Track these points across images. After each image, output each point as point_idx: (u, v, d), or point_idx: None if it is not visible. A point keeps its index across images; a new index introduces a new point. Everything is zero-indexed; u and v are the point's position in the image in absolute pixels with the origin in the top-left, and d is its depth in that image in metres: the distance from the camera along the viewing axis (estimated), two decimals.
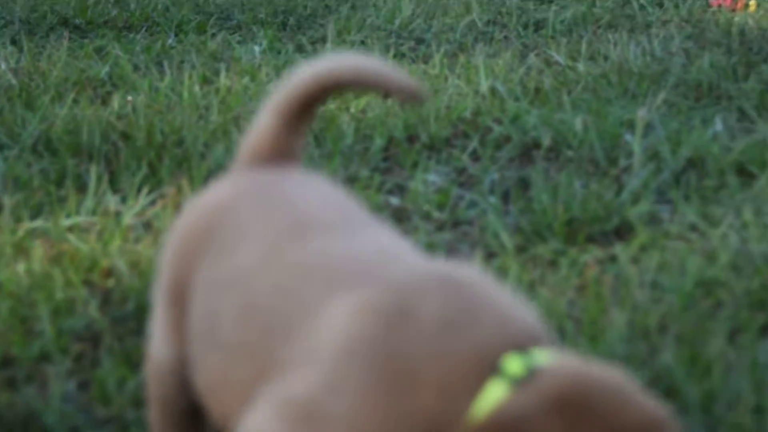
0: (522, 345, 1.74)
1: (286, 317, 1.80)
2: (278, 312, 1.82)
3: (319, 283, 1.83)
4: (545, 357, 1.73)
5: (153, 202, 3.91)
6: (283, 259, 1.90)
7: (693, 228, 3.72)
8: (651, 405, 1.70)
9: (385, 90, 2.33)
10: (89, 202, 3.91)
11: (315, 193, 2.16)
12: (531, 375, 1.68)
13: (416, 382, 1.68)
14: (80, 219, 3.80)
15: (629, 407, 1.67)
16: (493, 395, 1.67)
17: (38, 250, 3.54)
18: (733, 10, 6.77)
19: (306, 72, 2.21)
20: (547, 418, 1.62)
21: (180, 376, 2.07)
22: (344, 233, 1.97)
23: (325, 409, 1.70)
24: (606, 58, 5.66)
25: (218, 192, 2.17)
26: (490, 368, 1.70)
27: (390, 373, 1.70)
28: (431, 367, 1.70)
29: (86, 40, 6.21)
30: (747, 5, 6.87)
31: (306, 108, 2.23)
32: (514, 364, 1.69)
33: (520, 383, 1.67)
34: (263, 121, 2.23)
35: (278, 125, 2.20)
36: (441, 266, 1.97)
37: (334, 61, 2.25)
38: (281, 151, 2.20)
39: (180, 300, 2.05)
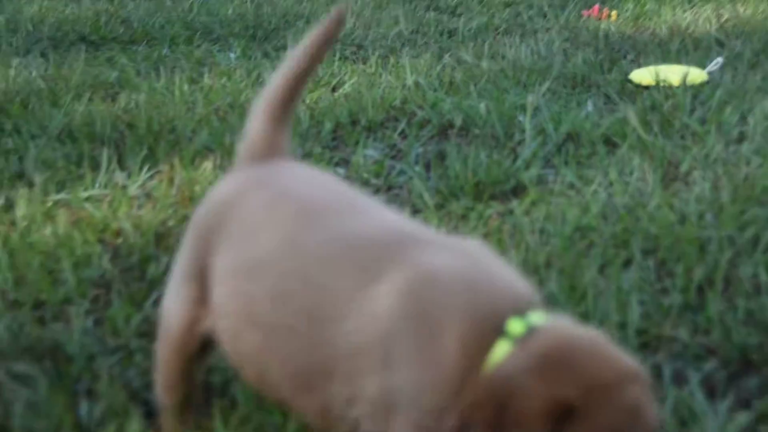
0: (522, 308, 1.73)
1: (321, 304, 1.78)
2: (312, 298, 1.79)
3: (349, 271, 1.79)
4: (540, 318, 1.73)
5: (152, 177, 3.91)
6: (304, 245, 1.86)
7: (571, 187, 3.72)
8: (625, 360, 1.68)
9: (326, 41, 2.24)
10: (102, 178, 3.89)
11: (312, 180, 2.12)
12: (529, 334, 1.67)
13: (444, 345, 1.67)
14: (95, 191, 3.78)
15: (605, 362, 1.66)
16: (499, 353, 1.66)
17: (62, 217, 3.53)
18: (599, 19, 6.79)
19: (277, 74, 2.19)
20: (530, 375, 1.61)
21: (189, 336, 2.08)
22: (351, 216, 1.93)
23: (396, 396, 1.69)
24: (503, 57, 5.67)
25: (224, 187, 2.14)
26: (500, 328, 1.69)
27: (427, 337, 1.69)
28: (456, 328, 1.68)
29: (99, 52, 6.18)
30: (609, 16, 6.89)
31: (286, 106, 2.19)
32: (516, 325, 1.68)
33: (520, 342, 1.67)
34: (253, 125, 2.19)
35: (266, 126, 2.16)
36: (453, 240, 1.92)
37: (291, 57, 2.21)
38: (272, 149, 2.15)
39: (199, 277, 2.02)
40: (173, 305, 2.11)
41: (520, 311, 1.72)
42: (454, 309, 1.70)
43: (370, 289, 1.74)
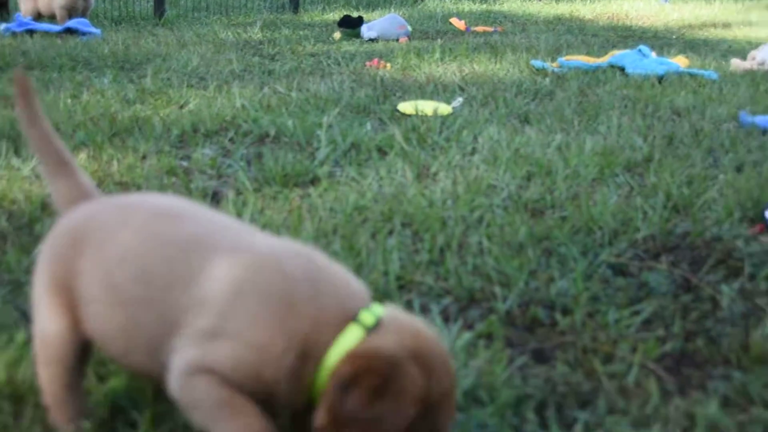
0: (362, 303, 1.71)
1: (178, 277, 1.70)
2: (170, 274, 1.71)
3: (199, 252, 1.71)
4: (381, 311, 1.70)
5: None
6: (159, 236, 1.77)
7: (353, 180, 3.76)
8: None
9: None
10: (2, 162, 3.79)
11: (152, 197, 2.06)
12: (378, 324, 1.66)
13: (296, 314, 1.63)
14: None
15: (448, 364, 1.68)
16: (352, 334, 1.63)
17: None
18: (378, 68, 6.84)
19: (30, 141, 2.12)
20: (413, 363, 1.60)
21: (68, 339, 1.87)
22: (193, 217, 1.83)
23: (224, 329, 1.64)
24: (308, 90, 5.69)
25: (67, 220, 1.94)
26: (350, 316, 1.67)
27: (275, 304, 1.64)
28: (308, 305, 1.64)
29: (3, 74, 5.96)
30: (385, 66, 6.94)
31: (56, 154, 2.04)
32: (367, 316, 1.66)
33: (373, 329, 1.65)
34: (51, 186, 2.05)
35: (60, 180, 2.02)
36: (289, 242, 1.86)
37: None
38: (82, 194, 1.99)
39: (64, 288, 1.84)
40: (45, 323, 1.89)
41: (363, 303, 1.71)
42: (301, 286, 1.66)
43: (213, 263, 1.69)
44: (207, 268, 1.69)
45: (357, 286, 1.78)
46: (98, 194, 2.03)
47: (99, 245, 1.82)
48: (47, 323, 1.89)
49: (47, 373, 1.92)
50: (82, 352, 1.91)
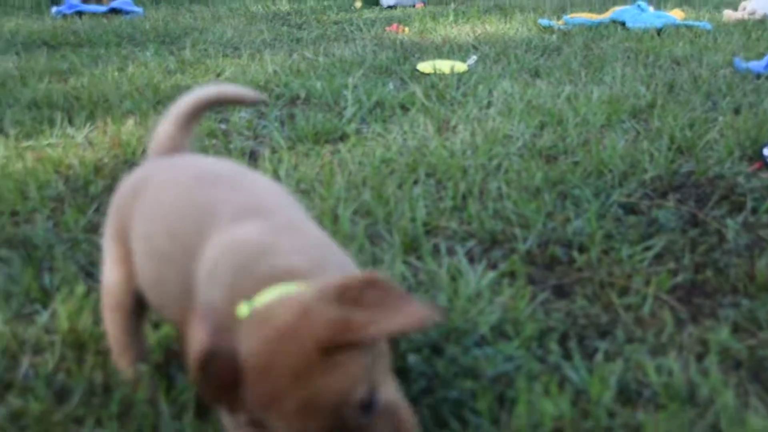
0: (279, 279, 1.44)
1: (194, 244, 1.57)
2: (189, 239, 1.59)
3: (210, 224, 1.58)
4: (266, 298, 1.40)
5: (92, 130, 3.77)
6: (192, 200, 1.67)
7: (379, 135, 3.70)
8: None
9: (237, 99, 2.10)
10: (57, 132, 3.76)
11: (207, 161, 1.91)
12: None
13: (251, 279, 1.43)
14: (52, 140, 3.66)
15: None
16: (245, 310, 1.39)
17: (29, 157, 3.40)
18: (397, 33, 6.74)
19: (192, 95, 1.97)
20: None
21: (126, 288, 1.80)
22: (230, 186, 1.70)
23: (208, 298, 1.49)
24: (333, 54, 5.62)
25: (138, 171, 1.88)
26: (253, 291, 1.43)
27: (237, 276, 1.46)
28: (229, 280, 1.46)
29: (56, 52, 5.94)
30: (404, 30, 6.86)
31: (192, 119, 1.98)
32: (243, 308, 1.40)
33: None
34: (163, 128, 1.96)
35: (174, 130, 1.94)
36: (285, 216, 1.65)
37: (207, 89, 1.99)
38: (176, 148, 1.93)
39: (122, 238, 1.79)
40: (108, 272, 1.83)
41: (276, 280, 1.42)
42: (234, 266, 1.48)
43: (210, 241, 1.56)
44: (205, 245, 1.57)
45: (295, 263, 1.50)
46: (187, 153, 1.97)
47: (147, 200, 1.75)
48: (109, 272, 1.84)
49: (110, 318, 1.87)
50: (141, 300, 1.83)
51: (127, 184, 1.87)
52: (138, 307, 1.86)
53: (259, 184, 1.80)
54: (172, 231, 1.66)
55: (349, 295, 1.31)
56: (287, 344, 1.27)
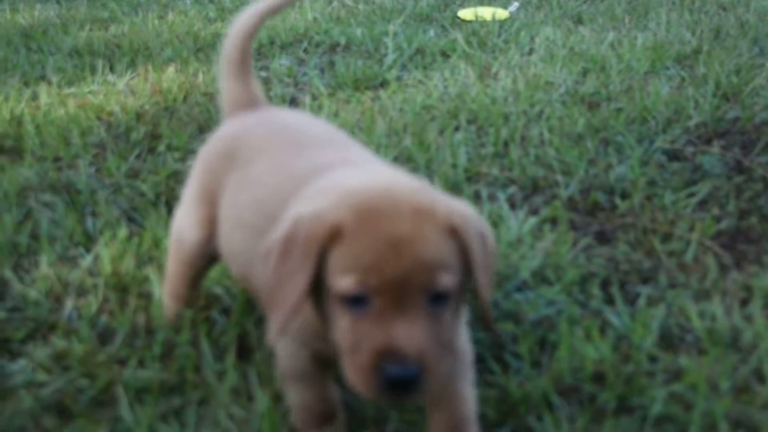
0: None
1: (280, 211, 1.46)
2: (276, 211, 1.47)
3: (296, 192, 1.47)
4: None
5: (133, 78, 3.77)
6: (283, 168, 1.59)
7: (420, 82, 3.66)
8: None
9: (275, 10, 1.99)
10: (99, 79, 3.76)
11: (303, 120, 1.83)
12: None
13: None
14: (94, 87, 3.66)
15: None
16: None
17: (71, 103, 3.42)
18: None
19: (230, 36, 1.89)
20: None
21: (204, 250, 1.77)
22: (322, 150, 1.62)
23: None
24: (374, 2, 5.53)
25: (227, 129, 1.82)
26: None
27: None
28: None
29: (97, 1, 5.89)
30: None
31: (243, 62, 1.86)
32: None
33: None
34: (225, 86, 1.88)
35: (235, 83, 1.86)
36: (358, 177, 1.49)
37: (251, 10, 1.92)
38: (250, 100, 1.86)
39: (210, 200, 1.73)
40: (186, 226, 1.79)
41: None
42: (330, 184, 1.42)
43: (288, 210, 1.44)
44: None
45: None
46: (264, 104, 1.91)
47: (242, 165, 1.69)
48: (187, 229, 1.79)
49: (177, 270, 1.85)
50: (211, 260, 1.82)
51: (218, 143, 1.80)
52: (206, 266, 1.85)
53: (352, 148, 1.72)
54: (261, 205, 1.60)
55: None
56: (420, 217, 1.29)
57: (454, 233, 1.30)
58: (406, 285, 1.25)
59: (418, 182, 1.42)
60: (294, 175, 1.55)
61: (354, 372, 1.28)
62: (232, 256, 1.69)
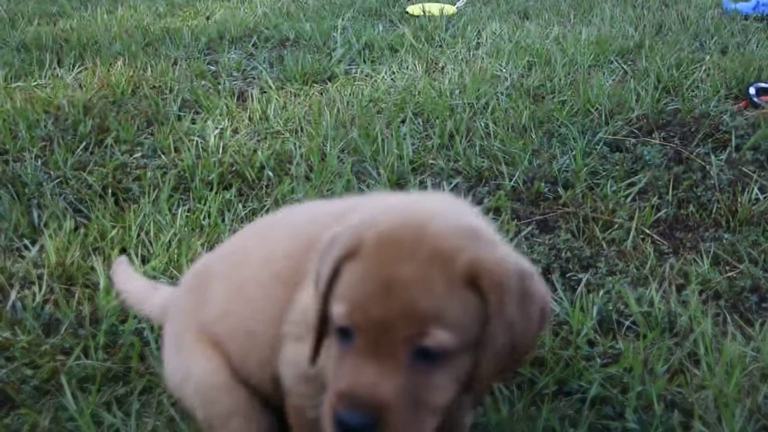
0: None
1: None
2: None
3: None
4: None
5: (81, 72, 3.72)
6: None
7: (368, 76, 3.67)
8: None
9: None
10: (47, 73, 3.70)
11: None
12: None
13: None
14: (42, 81, 3.61)
15: None
16: None
17: (18, 96, 3.36)
18: None
19: None
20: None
21: None
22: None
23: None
24: None
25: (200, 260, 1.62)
26: None
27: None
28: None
29: None
30: None
31: None
32: None
33: None
34: None
35: None
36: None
37: None
38: None
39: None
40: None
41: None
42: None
43: None
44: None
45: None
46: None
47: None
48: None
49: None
50: None
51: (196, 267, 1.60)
52: None
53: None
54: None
55: None
56: (433, 261, 1.13)
57: (474, 285, 1.13)
58: (390, 331, 1.11)
59: (471, 222, 1.24)
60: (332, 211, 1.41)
61: (324, 408, 1.15)
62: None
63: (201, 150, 2.81)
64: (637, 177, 2.59)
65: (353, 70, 3.77)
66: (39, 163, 2.74)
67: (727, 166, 2.66)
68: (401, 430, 1.11)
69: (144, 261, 2.12)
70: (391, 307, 1.10)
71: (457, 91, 3.35)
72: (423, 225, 1.16)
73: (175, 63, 3.91)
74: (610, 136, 2.89)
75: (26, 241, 2.22)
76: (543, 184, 2.54)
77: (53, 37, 4.33)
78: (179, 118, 3.16)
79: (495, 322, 1.13)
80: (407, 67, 3.75)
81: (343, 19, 4.67)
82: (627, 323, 1.88)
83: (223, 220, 2.33)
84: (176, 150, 2.83)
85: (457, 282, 1.12)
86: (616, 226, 2.31)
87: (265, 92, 3.46)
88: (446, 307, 1.11)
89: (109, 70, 3.68)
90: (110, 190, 2.51)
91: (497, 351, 1.14)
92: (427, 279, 1.11)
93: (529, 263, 1.23)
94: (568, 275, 2.08)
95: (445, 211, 1.24)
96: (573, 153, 2.73)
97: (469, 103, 3.20)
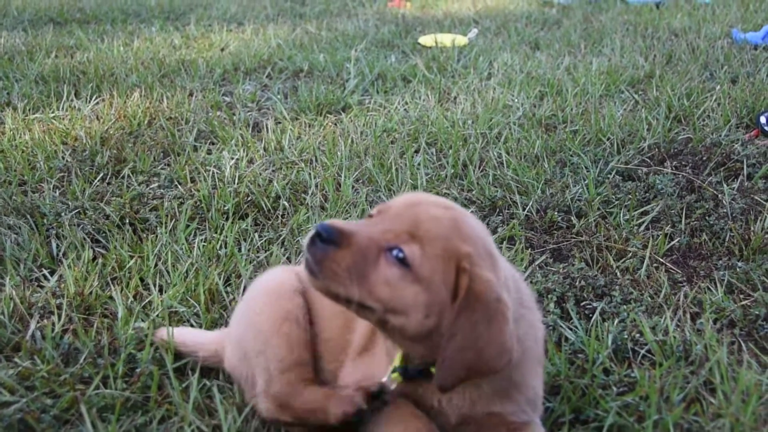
0: None
1: None
2: None
3: None
4: None
5: (98, 103, 3.75)
6: None
7: (381, 106, 3.68)
8: None
9: None
10: (64, 104, 3.73)
11: None
12: None
13: None
14: (59, 113, 3.64)
15: None
16: None
17: (37, 128, 3.38)
18: (399, 7, 6.71)
19: None
20: None
21: None
22: None
23: None
24: (336, 29, 5.57)
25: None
26: None
27: None
28: None
29: (63, 28, 5.91)
30: (406, 5, 6.83)
31: None
32: None
33: None
34: None
35: None
36: None
37: None
38: None
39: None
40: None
41: None
42: None
43: None
44: None
45: None
46: None
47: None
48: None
49: None
50: None
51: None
52: None
53: None
54: None
55: None
56: (447, 234, 1.35)
57: (459, 274, 1.34)
58: (395, 224, 1.35)
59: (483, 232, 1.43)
60: None
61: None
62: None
63: (217, 180, 2.82)
64: (649, 206, 2.59)
65: (366, 101, 3.80)
66: (57, 193, 2.76)
67: (739, 194, 2.66)
68: (340, 263, 1.32)
69: (161, 290, 2.12)
70: (407, 214, 1.37)
71: (469, 121, 3.36)
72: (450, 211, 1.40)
73: (191, 94, 3.94)
74: (622, 165, 2.90)
75: (45, 271, 2.23)
76: (556, 213, 2.54)
77: (71, 70, 4.38)
78: (195, 149, 3.18)
79: (459, 322, 1.33)
80: (420, 98, 3.77)
81: (356, 51, 4.70)
82: (642, 351, 1.87)
83: (240, 250, 2.33)
84: (192, 180, 2.85)
85: (451, 258, 1.33)
86: (630, 254, 2.31)
87: (279, 123, 3.48)
88: (433, 249, 1.33)
89: (125, 102, 3.71)
90: (128, 220, 2.52)
91: (458, 344, 1.33)
92: (434, 228, 1.34)
93: (526, 290, 1.44)
94: (582, 304, 2.08)
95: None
96: (585, 182, 2.73)
97: (481, 133, 3.21)
